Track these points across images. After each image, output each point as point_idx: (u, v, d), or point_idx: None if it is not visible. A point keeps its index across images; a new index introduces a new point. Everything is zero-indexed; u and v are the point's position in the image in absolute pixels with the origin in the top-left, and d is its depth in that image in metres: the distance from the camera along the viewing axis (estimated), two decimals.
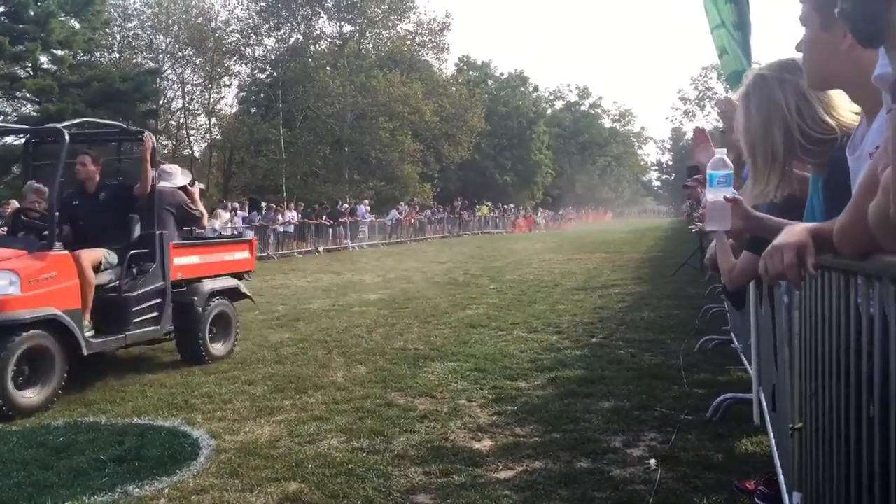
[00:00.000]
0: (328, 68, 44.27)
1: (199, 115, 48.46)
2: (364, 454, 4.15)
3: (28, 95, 37.82)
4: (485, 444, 4.33)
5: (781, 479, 2.99)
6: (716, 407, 4.64)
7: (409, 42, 45.64)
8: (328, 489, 3.62)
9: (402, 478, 3.80)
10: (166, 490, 3.64)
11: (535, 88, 73.82)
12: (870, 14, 0.73)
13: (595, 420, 4.70)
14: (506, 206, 47.68)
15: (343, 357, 6.89)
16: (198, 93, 47.73)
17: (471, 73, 63.69)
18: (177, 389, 5.66)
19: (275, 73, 45.23)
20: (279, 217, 23.56)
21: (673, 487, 3.56)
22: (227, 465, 4.00)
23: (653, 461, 3.92)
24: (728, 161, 2.12)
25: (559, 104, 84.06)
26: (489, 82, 64.88)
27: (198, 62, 45.90)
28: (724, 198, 2.06)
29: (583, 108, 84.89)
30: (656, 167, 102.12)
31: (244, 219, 22.42)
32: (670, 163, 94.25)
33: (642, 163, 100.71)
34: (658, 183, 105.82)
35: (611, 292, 11.72)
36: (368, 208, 30.53)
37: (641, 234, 36.14)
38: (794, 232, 1.50)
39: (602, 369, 6.14)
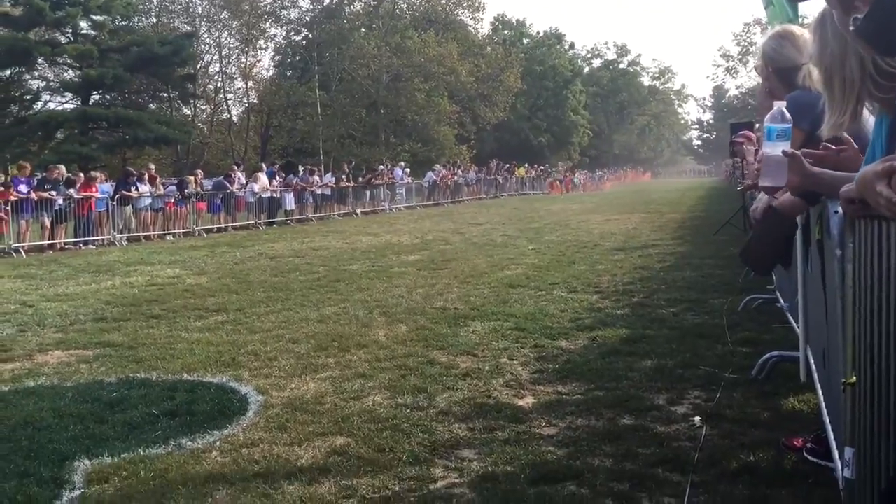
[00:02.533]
0: (363, 29, 44.02)
1: (237, 78, 48.73)
2: (408, 410, 4.21)
3: (69, 61, 38.29)
4: (527, 402, 4.35)
5: (831, 435, 2.96)
6: (761, 365, 4.60)
7: (444, 1, 45.02)
8: (374, 443, 3.69)
9: (447, 433, 3.84)
10: (217, 443, 3.74)
11: (572, 46, 72.64)
12: (883, 29, 0.69)
13: (638, 378, 4.69)
14: (542, 168, 47.19)
15: (384, 317, 6.95)
16: (234, 56, 47.94)
17: (506, 32, 62.83)
18: (223, 347, 5.77)
19: (310, 36, 45.09)
20: (316, 179, 23.66)
21: (719, 444, 3.55)
22: (276, 419, 4.08)
23: (697, 418, 3.91)
24: (787, 114, 2.05)
25: (597, 62, 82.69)
26: (525, 41, 63.98)
27: (234, 25, 45.98)
28: (783, 152, 2.00)
29: (621, 66, 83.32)
30: (697, 126, 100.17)
31: (282, 181, 22.56)
32: (711, 121, 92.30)
33: (682, 122, 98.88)
34: (699, 142, 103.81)
35: (651, 252, 11.60)
36: (407, 171, 30.48)
37: (682, 193, 35.59)
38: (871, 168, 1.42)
39: (644, 328, 6.11)
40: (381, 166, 29.74)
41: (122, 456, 3.55)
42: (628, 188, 50.46)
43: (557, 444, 3.64)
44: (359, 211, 25.13)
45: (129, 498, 3.12)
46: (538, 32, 67.39)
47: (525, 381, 4.75)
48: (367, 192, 26.40)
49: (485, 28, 55.11)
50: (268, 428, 3.96)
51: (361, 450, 3.62)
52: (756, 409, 4.03)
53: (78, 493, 3.17)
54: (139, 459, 3.52)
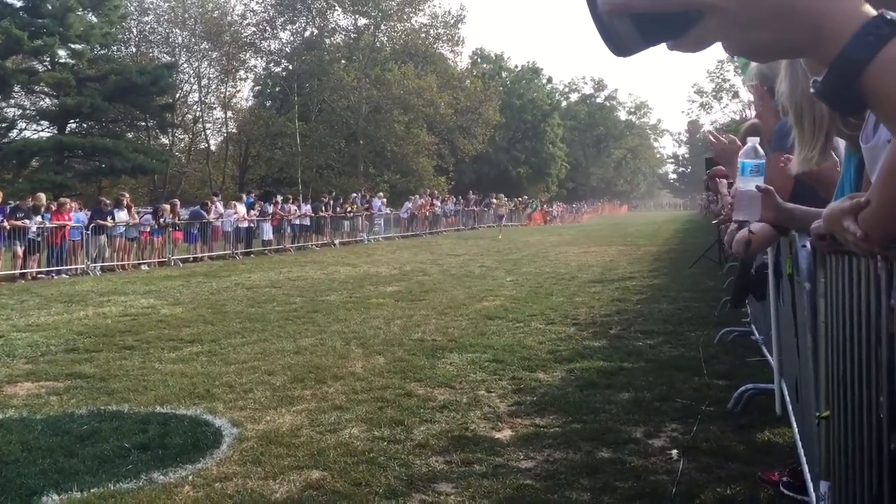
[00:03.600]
0: (343, 61, 44.34)
1: (216, 108, 48.75)
2: (385, 443, 4.17)
3: (46, 90, 38.10)
4: (505, 434, 4.33)
5: (806, 469, 2.97)
6: (737, 398, 4.63)
7: (423, 35, 45.60)
8: (350, 477, 3.64)
9: (424, 466, 3.81)
10: (190, 477, 3.67)
11: (549, 80, 73.57)
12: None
13: (615, 411, 4.70)
14: (519, 199, 47.52)
15: (361, 348, 6.91)
16: (214, 86, 48.00)
17: (485, 65, 63.56)
18: (198, 379, 5.70)
19: (290, 67, 45.33)
20: (294, 209, 23.62)
21: (696, 478, 3.56)
22: (250, 453, 4.03)
23: (675, 451, 3.92)
24: (760, 150, 2.10)
25: (574, 97, 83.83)
26: (503, 75, 64.71)
27: (214, 56, 46.12)
28: (756, 187, 2.04)
29: (598, 100, 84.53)
30: (672, 160, 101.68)
31: (260, 212, 22.49)
32: (686, 155, 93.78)
33: (658, 155, 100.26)
34: (674, 176, 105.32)
35: (628, 284, 11.68)
36: (384, 201, 30.53)
37: (658, 226, 35.97)
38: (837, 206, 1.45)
39: (621, 361, 6.13)
40: (354, 194, 29.76)
41: (92, 491, 3.48)
42: (605, 220, 50.95)
43: (535, 477, 3.63)
44: (337, 241, 25.08)
45: None
46: (516, 66, 68.27)
47: (503, 414, 4.73)
48: (346, 223, 26.39)
49: (464, 61, 55.80)
50: (242, 461, 3.90)
51: (337, 483, 3.57)
52: (732, 441, 4.05)
53: None
54: (109, 494, 3.44)
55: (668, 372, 5.66)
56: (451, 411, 4.78)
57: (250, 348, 6.98)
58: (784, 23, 0.66)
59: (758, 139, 2.12)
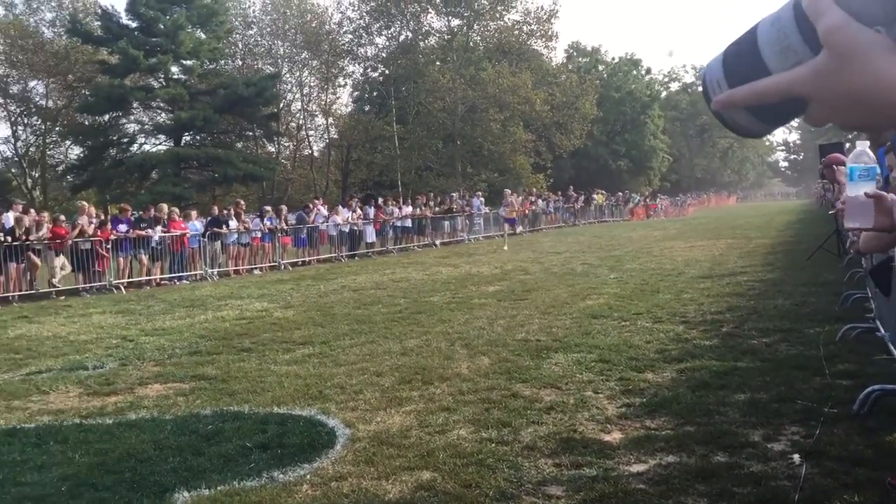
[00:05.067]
0: (438, 63, 44.71)
1: (317, 115, 50.27)
2: (493, 445, 4.20)
3: (162, 105, 40.30)
4: (615, 437, 4.28)
5: None
6: (863, 399, 4.39)
7: (516, 32, 45.33)
8: (460, 479, 3.69)
9: (533, 469, 3.81)
10: (308, 476, 3.82)
11: (648, 71, 71.58)
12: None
13: (731, 413, 4.55)
14: (620, 194, 46.54)
15: (466, 349, 6.97)
16: (315, 94, 49.52)
17: (581, 59, 62.64)
18: (311, 380, 5.91)
19: (386, 71, 46.12)
20: (395, 211, 24.04)
21: (820, 483, 3.41)
22: (363, 453, 4.15)
23: (796, 456, 3.76)
24: (871, 154, 1.99)
25: (674, 86, 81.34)
26: (600, 68, 63.54)
27: (314, 64, 47.54)
28: (865, 194, 1.94)
29: (700, 88, 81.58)
30: (783, 147, 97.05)
31: (365, 215, 23.01)
32: (798, 142, 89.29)
33: (767, 143, 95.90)
34: (785, 164, 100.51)
35: (739, 280, 11.26)
36: (482, 200, 30.60)
37: (769, 217, 34.45)
38: None
39: (735, 360, 5.92)
40: (455, 194, 29.97)
41: (219, 488, 3.67)
42: (712, 213, 49.19)
43: (648, 481, 3.56)
44: (438, 242, 25.33)
45: None
46: (613, 59, 66.93)
47: (612, 416, 4.67)
48: (446, 223, 26.62)
49: (559, 56, 55.19)
50: (355, 461, 4.02)
51: (448, 485, 3.63)
52: (859, 446, 3.85)
53: None
54: (234, 492, 3.62)
55: (787, 372, 5.43)
56: (558, 413, 4.76)
57: (359, 350, 7.17)
58: (866, 109, 0.70)
59: (867, 143, 2.00)
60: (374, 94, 48.83)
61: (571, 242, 23.04)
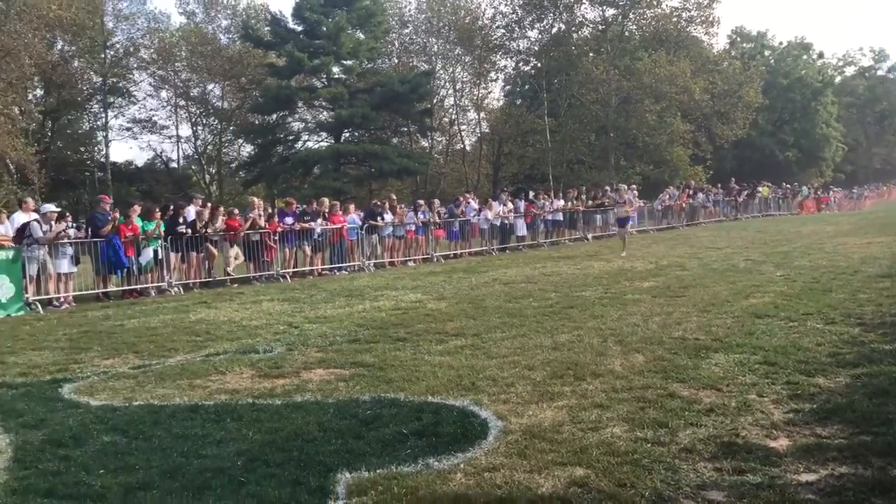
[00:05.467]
0: (591, 54, 43.89)
1: (469, 110, 50.92)
2: (649, 445, 4.10)
3: (324, 104, 42.32)
4: (781, 443, 4.05)
5: None
6: None
7: (674, 19, 43.57)
8: (614, 477, 3.64)
9: (692, 472, 3.70)
10: (462, 465, 3.91)
11: (821, 55, 66.62)
12: None
13: None
14: (788, 186, 43.64)
15: (619, 345, 6.84)
16: (467, 89, 50.16)
17: (745, 45, 59.36)
18: (463, 371, 6.02)
19: (538, 64, 45.85)
20: (547, 204, 23.90)
21: None
22: (515, 445, 4.18)
23: None
24: None
25: (850, 70, 75.11)
26: (766, 53, 59.96)
27: (467, 60, 48.15)
28: None
29: (879, 72, 75.00)
30: None
31: (516, 209, 23.06)
32: None
33: None
34: None
35: None
36: (636, 193, 29.75)
37: None
38: None
39: None
40: (608, 187, 29.35)
41: (378, 471, 3.84)
42: (893, 207, 45.13)
43: (818, 492, 3.36)
44: (589, 236, 24.94)
45: None
46: (781, 43, 62.88)
47: (778, 421, 4.42)
48: (598, 217, 26.15)
49: (720, 43, 52.59)
50: (508, 454, 4.06)
51: (602, 483, 3.59)
52: None
53: (341, 503, 3.47)
54: (392, 476, 3.77)
55: None
56: (718, 415, 4.58)
57: (510, 343, 7.21)
58: None
59: None
60: (526, 87, 48.76)
61: (733, 237, 21.92)
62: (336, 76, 42.06)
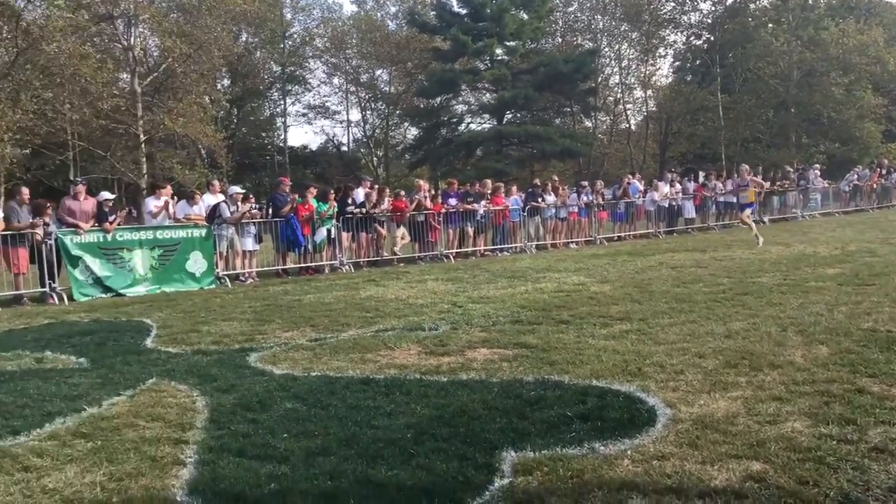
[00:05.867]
0: (770, 25, 41.10)
1: (635, 88, 49.41)
2: (834, 442, 3.83)
3: (487, 86, 42.63)
4: None
5: None
6: None
7: None
8: (795, 474, 3.43)
9: (883, 473, 3.41)
10: (629, 452, 3.83)
11: None
12: None
13: None
14: None
15: (800, 336, 6.41)
16: (633, 67, 48.63)
17: None
18: (629, 356, 5.89)
19: (711, 38, 43.59)
20: (718, 185, 22.74)
21: None
22: (685, 435, 4.04)
23: None
24: None
25: None
26: None
27: (633, 37, 46.67)
28: None
29: None
30: None
31: (684, 190, 22.14)
32: None
33: None
34: None
35: None
36: (819, 173, 27.62)
37: None
38: None
39: None
40: (788, 167, 27.43)
41: (543, 452, 3.85)
42: None
43: None
44: (766, 219, 23.48)
45: (550, 493, 3.37)
46: None
47: None
48: (775, 199, 24.56)
49: None
50: (678, 443, 3.94)
51: (781, 479, 3.40)
52: None
53: (507, 481, 3.52)
54: (557, 457, 3.77)
55: None
56: None
57: (678, 329, 6.97)
58: None
59: None
60: (697, 62, 46.56)
61: None
62: (499, 58, 42.18)
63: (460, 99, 46.22)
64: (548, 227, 18.64)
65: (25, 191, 12.66)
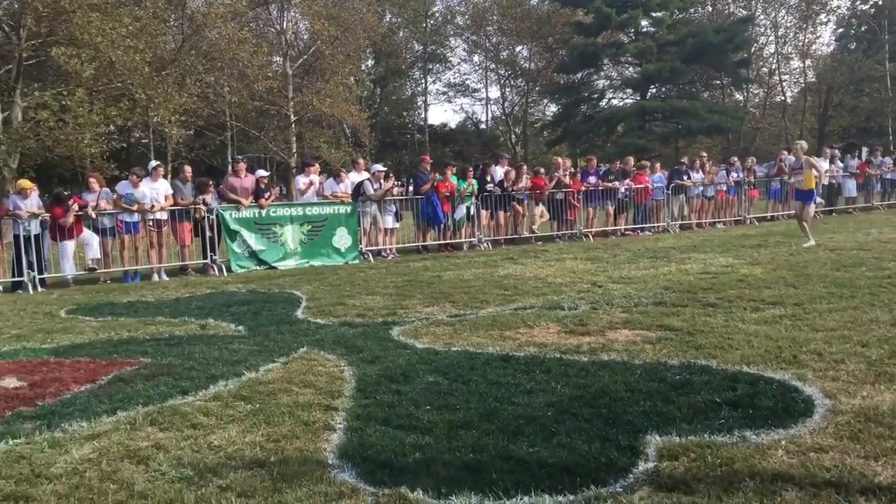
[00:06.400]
0: None
1: (793, 58, 46.26)
2: None
3: (630, 59, 41.33)
4: None
5: None
6: None
7: None
8: None
9: None
10: (783, 442, 3.64)
11: None
12: None
13: None
14: None
15: None
16: (791, 35, 45.51)
17: None
18: (783, 343, 5.58)
19: (879, 2, 40.01)
20: (886, 162, 20.95)
21: None
22: (846, 427, 3.79)
23: None
24: None
25: None
26: None
27: (791, 2, 43.64)
28: None
29: None
30: None
31: (846, 167, 20.58)
32: None
33: None
34: None
35: None
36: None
37: None
38: None
39: None
40: None
41: (690, 438, 3.73)
42: None
43: None
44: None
45: (697, 479, 3.26)
46: None
47: None
48: None
49: None
50: (837, 435, 3.70)
51: None
52: None
53: (651, 465, 3.45)
54: (705, 444, 3.64)
55: None
56: None
57: (838, 315, 6.52)
58: None
59: None
60: (863, 28, 42.98)
61: None
62: (644, 30, 40.77)
63: (602, 74, 45.14)
64: (693, 205, 17.92)
65: (189, 169, 13.62)
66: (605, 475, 3.35)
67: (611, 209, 16.71)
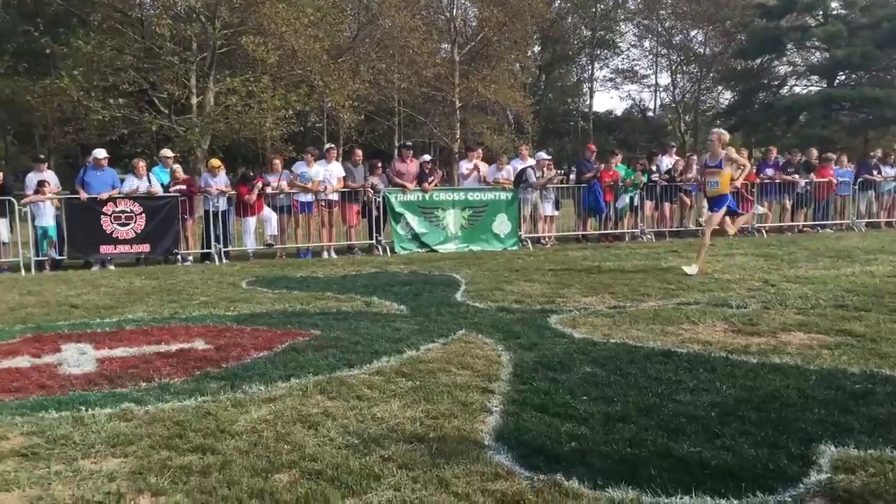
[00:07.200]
0: None
1: None
2: None
3: (817, 44, 38.39)
4: None
5: None
6: None
7: None
8: None
9: None
10: None
11: None
12: None
13: None
14: None
15: None
16: None
17: None
18: None
19: None
20: None
21: None
22: None
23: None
24: None
25: None
26: None
27: None
28: None
29: None
30: None
31: None
32: None
33: None
34: None
35: None
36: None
37: None
38: None
39: None
40: None
41: (869, 451, 3.47)
42: None
43: None
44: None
45: (876, 496, 3.04)
46: None
47: None
48: None
49: None
50: None
51: None
52: None
53: (825, 476, 3.24)
54: (886, 459, 3.38)
55: None
56: None
57: None
58: None
59: None
60: None
61: None
62: (834, 12, 37.68)
63: (784, 59, 42.23)
64: (883, 202, 16.43)
65: (359, 153, 14.23)
66: (773, 482, 3.19)
67: (788, 203, 15.67)
